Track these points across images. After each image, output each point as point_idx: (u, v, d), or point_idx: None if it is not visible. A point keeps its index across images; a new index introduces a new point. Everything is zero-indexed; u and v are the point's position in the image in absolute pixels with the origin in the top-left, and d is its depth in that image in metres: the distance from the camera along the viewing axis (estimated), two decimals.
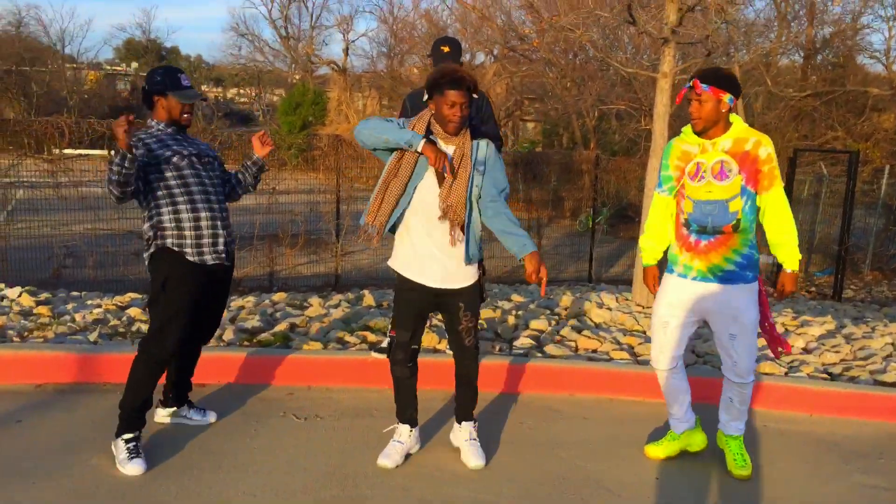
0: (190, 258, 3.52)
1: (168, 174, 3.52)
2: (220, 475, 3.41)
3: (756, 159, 3.41)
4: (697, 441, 3.85)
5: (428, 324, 5.16)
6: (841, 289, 11.06)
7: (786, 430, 4.31)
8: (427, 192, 3.39)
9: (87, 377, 4.39)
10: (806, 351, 5.47)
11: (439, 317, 5.61)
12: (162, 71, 3.63)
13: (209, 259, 3.57)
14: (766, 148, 3.41)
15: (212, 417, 4.00)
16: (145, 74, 3.72)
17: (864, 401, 4.52)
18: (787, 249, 3.49)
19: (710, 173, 3.46)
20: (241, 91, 50.86)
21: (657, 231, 3.75)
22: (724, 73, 3.44)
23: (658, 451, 3.82)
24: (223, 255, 3.64)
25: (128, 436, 3.45)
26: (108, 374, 4.41)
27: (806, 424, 4.41)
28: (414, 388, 3.62)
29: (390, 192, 3.41)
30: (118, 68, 47.39)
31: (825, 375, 4.88)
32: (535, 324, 5.61)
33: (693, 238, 3.54)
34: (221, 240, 3.61)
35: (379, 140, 3.35)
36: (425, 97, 3.37)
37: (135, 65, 46.84)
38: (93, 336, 4.73)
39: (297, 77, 39.89)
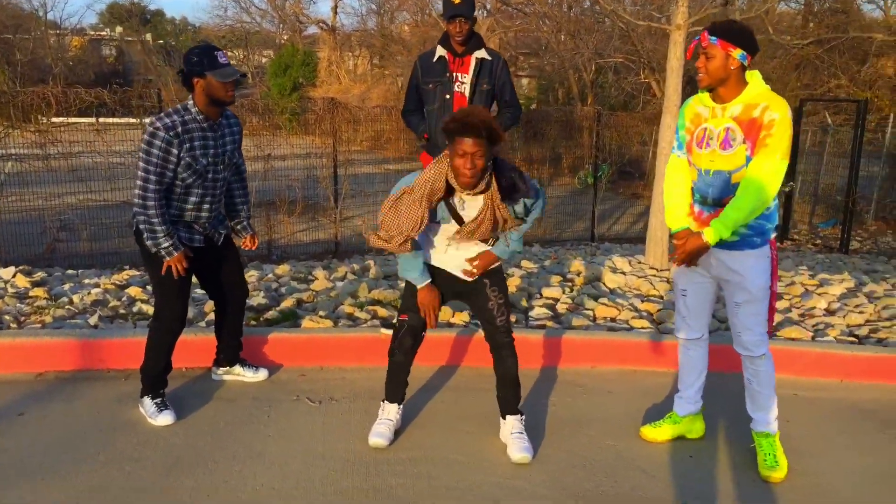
0: None
1: (177, 175, 3.48)
2: (236, 467, 3.24)
3: (760, 126, 3.01)
4: (698, 428, 3.65)
5: None
6: (848, 241, 10.88)
7: (817, 397, 4.17)
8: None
9: (88, 364, 4.21)
10: (829, 312, 5.31)
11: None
12: (198, 51, 3.43)
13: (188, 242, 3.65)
14: (772, 112, 2.96)
15: (263, 374, 4.16)
16: (183, 54, 3.50)
17: None
18: (722, 217, 3.05)
19: (715, 141, 3.12)
20: (229, 53, 49.82)
21: (675, 194, 3.35)
22: (738, 27, 3.05)
23: (655, 433, 3.61)
24: (199, 243, 3.69)
25: (152, 395, 3.69)
26: (110, 360, 4.23)
27: (838, 391, 4.27)
28: (409, 370, 3.47)
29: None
30: (102, 34, 46.25)
31: (853, 339, 4.73)
32: (548, 292, 5.43)
33: (697, 208, 3.27)
34: (197, 236, 3.66)
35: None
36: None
37: (119, 29, 45.74)
38: (93, 320, 4.54)
39: (286, 38, 39.12)
